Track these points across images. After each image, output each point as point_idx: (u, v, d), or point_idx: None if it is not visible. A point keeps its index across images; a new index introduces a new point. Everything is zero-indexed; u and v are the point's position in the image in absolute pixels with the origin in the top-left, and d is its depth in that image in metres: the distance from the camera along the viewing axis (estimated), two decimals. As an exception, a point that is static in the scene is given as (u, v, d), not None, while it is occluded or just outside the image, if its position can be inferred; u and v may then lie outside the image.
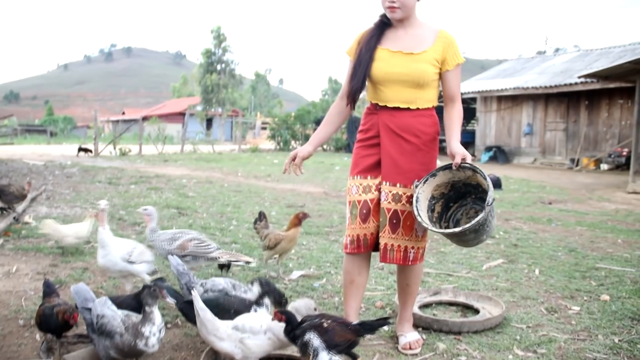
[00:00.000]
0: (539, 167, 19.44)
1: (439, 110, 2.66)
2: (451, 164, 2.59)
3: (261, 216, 4.25)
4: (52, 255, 4.41)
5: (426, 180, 2.63)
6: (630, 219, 7.59)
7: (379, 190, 2.73)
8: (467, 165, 2.56)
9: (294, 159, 2.85)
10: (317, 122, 28.10)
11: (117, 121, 51.01)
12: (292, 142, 27.11)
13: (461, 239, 2.57)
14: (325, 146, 28.03)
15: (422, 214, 2.57)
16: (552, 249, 5.37)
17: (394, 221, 2.70)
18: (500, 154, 20.74)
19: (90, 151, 18.98)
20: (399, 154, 2.69)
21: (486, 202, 2.45)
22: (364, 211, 2.74)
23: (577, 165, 18.73)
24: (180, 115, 41.61)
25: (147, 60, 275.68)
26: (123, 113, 67.19)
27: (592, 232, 6.47)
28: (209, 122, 50.22)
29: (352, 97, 2.75)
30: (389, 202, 2.70)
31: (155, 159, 17.35)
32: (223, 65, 48.40)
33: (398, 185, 2.69)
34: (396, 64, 2.65)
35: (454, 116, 2.72)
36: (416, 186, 2.62)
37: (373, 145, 2.76)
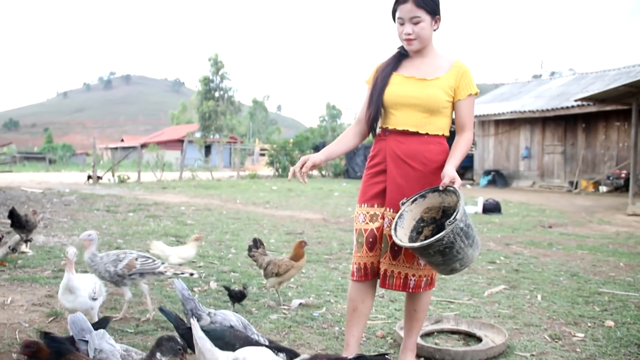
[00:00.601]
0: (538, 190, 19.44)
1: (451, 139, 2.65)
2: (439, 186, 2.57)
3: (257, 243, 4.20)
4: (48, 285, 4.35)
5: (414, 200, 2.60)
6: (632, 242, 7.55)
7: (383, 218, 2.71)
8: (451, 188, 2.52)
9: (303, 165, 2.77)
10: (315, 148, 28.16)
11: (116, 148, 51.13)
12: (291, 169, 27.12)
13: (430, 261, 2.49)
14: (324, 172, 28.07)
15: (400, 230, 2.53)
16: (554, 274, 5.31)
17: (396, 248, 2.67)
18: (499, 178, 20.75)
19: (100, 177, 19.28)
20: (404, 181, 2.67)
21: (448, 221, 2.37)
22: (370, 240, 2.71)
23: (576, 187, 18.73)
24: (179, 142, 41.72)
25: (146, 87, 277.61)
26: (122, 140, 67.38)
27: (594, 255, 6.42)
28: (208, 148, 50.33)
29: (371, 125, 2.78)
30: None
31: (153, 186, 17.33)
32: (221, 92, 48.74)
33: None
34: (408, 88, 2.67)
35: (459, 142, 2.70)
36: (402, 203, 2.59)
37: (380, 172, 2.75)
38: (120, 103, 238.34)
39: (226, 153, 47.56)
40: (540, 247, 6.94)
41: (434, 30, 2.68)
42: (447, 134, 2.74)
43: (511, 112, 20.60)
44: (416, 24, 2.60)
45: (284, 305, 3.99)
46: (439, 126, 2.70)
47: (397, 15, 2.64)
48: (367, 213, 2.74)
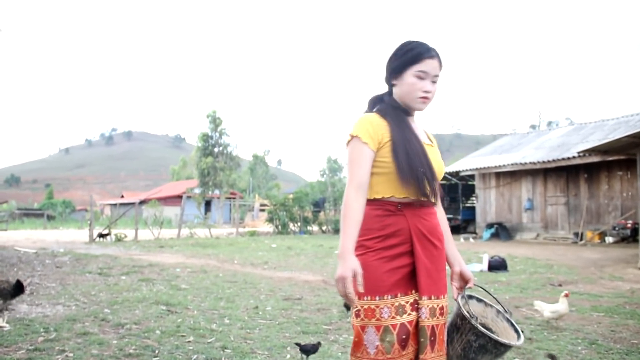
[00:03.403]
0: (543, 242, 19.05)
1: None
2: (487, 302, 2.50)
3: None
4: (21, 369, 3.97)
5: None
6: (648, 302, 7.16)
7: (414, 308, 2.29)
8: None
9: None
10: (315, 204, 27.90)
11: (116, 205, 51.00)
12: (291, 225, 26.76)
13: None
14: (324, 227, 27.68)
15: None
16: (571, 342, 4.93)
17: (432, 338, 2.28)
18: (502, 231, 20.41)
19: (109, 234, 19.35)
20: (430, 262, 2.31)
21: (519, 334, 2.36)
22: (403, 337, 2.25)
23: (581, 239, 18.37)
24: (179, 198, 41.58)
25: (147, 143, 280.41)
26: (122, 196, 67.37)
27: (611, 318, 6.04)
28: (208, 204, 50.11)
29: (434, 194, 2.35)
30: (429, 319, 2.28)
31: (150, 244, 16.96)
32: (220, 148, 48.89)
33: (432, 297, 2.29)
34: (433, 154, 2.40)
35: (446, 226, 2.48)
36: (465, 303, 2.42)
37: (400, 255, 2.30)
38: (121, 159, 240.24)
39: (226, 209, 47.33)
40: (553, 310, 6.55)
41: None
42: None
43: (512, 164, 20.47)
44: (434, 83, 2.34)
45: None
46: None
47: (419, 67, 2.30)
48: (392, 305, 2.26)
